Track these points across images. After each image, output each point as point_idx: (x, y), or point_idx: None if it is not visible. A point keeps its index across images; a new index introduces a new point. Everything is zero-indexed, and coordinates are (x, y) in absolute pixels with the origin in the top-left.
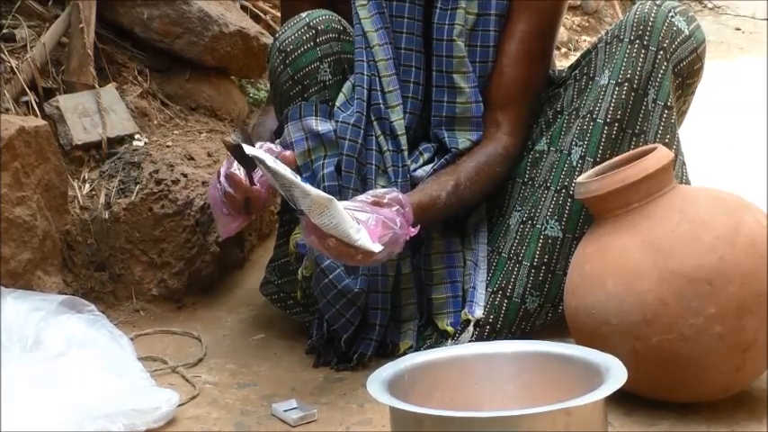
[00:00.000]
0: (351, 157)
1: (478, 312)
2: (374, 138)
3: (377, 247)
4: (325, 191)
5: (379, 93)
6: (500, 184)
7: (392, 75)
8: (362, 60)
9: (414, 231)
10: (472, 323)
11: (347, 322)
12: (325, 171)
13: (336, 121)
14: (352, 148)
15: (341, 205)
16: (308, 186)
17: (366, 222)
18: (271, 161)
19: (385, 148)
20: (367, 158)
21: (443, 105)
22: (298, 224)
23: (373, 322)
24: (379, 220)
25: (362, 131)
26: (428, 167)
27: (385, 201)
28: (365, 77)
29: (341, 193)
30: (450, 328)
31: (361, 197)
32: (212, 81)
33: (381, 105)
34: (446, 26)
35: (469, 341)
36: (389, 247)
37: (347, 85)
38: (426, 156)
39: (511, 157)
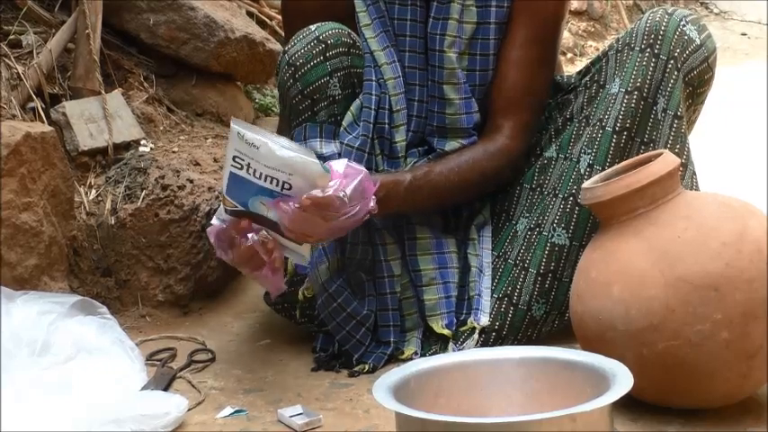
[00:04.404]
0: None
1: (484, 320)
2: (373, 156)
3: (341, 192)
4: None
5: (387, 112)
6: (495, 183)
7: (401, 94)
8: (371, 80)
9: (373, 206)
10: (477, 330)
11: (358, 343)
12: None
13: (341, 143)
14: None
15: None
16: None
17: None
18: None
19: (381, 168)
20: None
21: (435, 115)
22: None
23: (387, 340)
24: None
25: (366, 155)
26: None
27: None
28: (373, 97)
29: None
30: (446, 331)
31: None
32: (218, 87)
33: (386, 125)
34: (438, 36)
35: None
36: (359, 198)
37: (356, 104)
38: (410, 159)
39: (506, 156)
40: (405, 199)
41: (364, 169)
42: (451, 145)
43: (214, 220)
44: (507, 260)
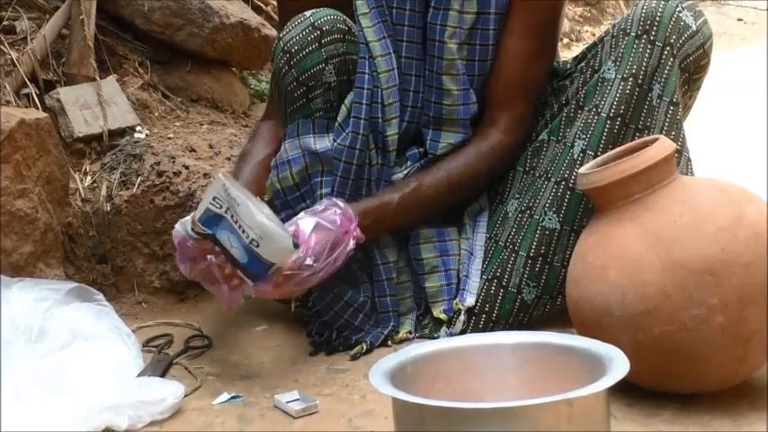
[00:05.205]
0: (344, 178)
1: (470, 300)
2: (367, 151)
3: (309, 259)
4: None
5: (380, 106)
6: (488, 181)
7: (394, 86)
8: (364, 72)
9: (355, 228)
10: (463, 312)
11: (357, 329)
12: (322, 191)
13: (334, 140)
14: (347, 169)
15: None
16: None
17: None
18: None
19: (375, 162)
20: (361, 174)
21: (431, 105)
22: None
23: (387, 325)
24: (311, 224)
25: (357, 152)
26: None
27: (321, 208)
28: (365, 92)
29: None
30: (443, 316)
31: (299, 215)
32: (213, 73)
33: (379, 119)
34: (438, 27)
35: (462, 330)
36: (333, 250)
37: (350, 98)
38: (410, 162)
39: (499, 153)
40: (394, 219)
41: (335, 226)
42: (445, 138)
43: (179, 227)
44: (498, 242)
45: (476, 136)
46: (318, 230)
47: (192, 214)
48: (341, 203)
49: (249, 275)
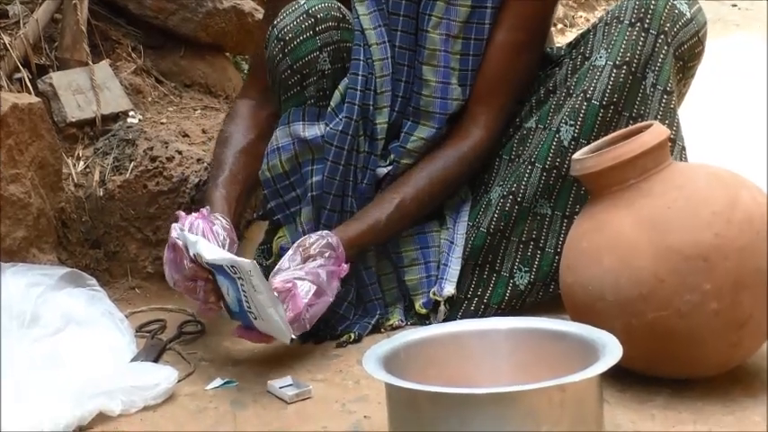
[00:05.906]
0: (335, 163)
1: (448, 289)
2: (356, 138)
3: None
4: (312, 199)
5: (372, 93)
6: (468, 179)
7: (387, 75)
8: (359, 59)
9: (345, 269)
10: (443, 302)
11: (342, 318)
12: (313, 179)
13: (326, 124)
14: (338, 154)
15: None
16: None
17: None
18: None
19: (362, 149)
20: (350, 160)
21: (414, 95)
22: (285, 217)
23: (373, 314)
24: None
25: (349, 137)
26: (390, 168)
27: (315, 252)
28: (359, 78)
29: (323, 198)
30: (423, 310)
31: (291, 255)
32: (207, 58)
33: (371, 107)
34: (426, 16)
35: (450, 317)
36: (325, 298)
37: (344, 83)
38: (393, 156)
39: (479, 153)
40: (380, 237)
41: (330, 292)
42: (418, 133)
43: (179, 236)
44: (480, 228)
45: (456, 133)
46: (316, 294)
47: (196, 237)
48: (333, 241)
49: (235, 318)
